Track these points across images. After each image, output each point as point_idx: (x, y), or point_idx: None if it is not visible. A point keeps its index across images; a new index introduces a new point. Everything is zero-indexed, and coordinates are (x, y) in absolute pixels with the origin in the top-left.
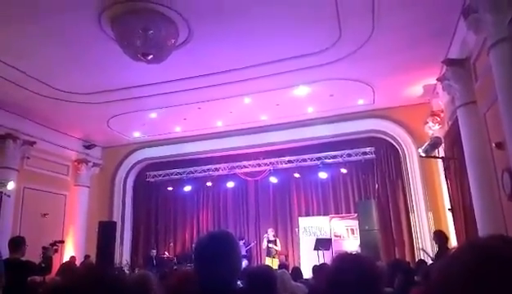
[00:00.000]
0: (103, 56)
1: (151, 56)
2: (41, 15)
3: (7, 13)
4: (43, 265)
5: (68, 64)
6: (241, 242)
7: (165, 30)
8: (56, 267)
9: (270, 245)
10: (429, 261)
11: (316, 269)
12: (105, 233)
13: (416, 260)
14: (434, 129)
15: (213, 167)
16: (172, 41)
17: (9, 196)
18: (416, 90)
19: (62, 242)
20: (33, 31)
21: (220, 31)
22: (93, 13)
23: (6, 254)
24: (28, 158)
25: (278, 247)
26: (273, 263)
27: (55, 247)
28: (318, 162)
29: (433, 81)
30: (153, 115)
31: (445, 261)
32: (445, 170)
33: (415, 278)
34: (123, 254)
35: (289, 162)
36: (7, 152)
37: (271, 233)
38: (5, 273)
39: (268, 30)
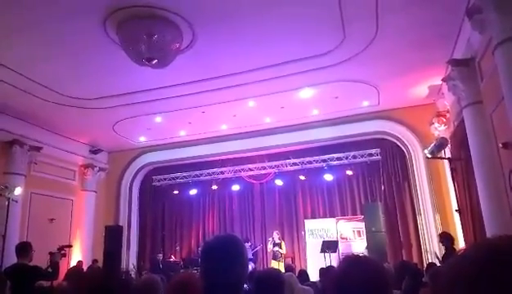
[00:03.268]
0: (108, 62)
1: (156, 61)
2: (47, 23)
3: (14, 22)
4: (50, 271)
5: (74, 70)
6: (247, 245)
7: (169, 35)
8: (63, 272)
9: (275, 248)
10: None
11: (323, 271)
12: (112, 238)
13: (424, 261)
14: (440, 130)
15: (218, 170)
16: (177, 45)
17: (16, 201)
18: (421, 90)
19: (70, 246)
20: (39, 38)
21: (224, 35)
22: (98, 19)
23: (13, 259)
24: (35, 163)
25: (283, 250)
26: (279, 266)
27: (62, 252)
28: (324, 165)
29: (438, 81)
30: (158, 119)
31: (455, 261)
32: (451, 171)
33: (423, 279)
34: (130, 258)
35: (295, 164)
36: (15, 157)
37: (276, 236)
38: (12, 278)
39: (272, 33)
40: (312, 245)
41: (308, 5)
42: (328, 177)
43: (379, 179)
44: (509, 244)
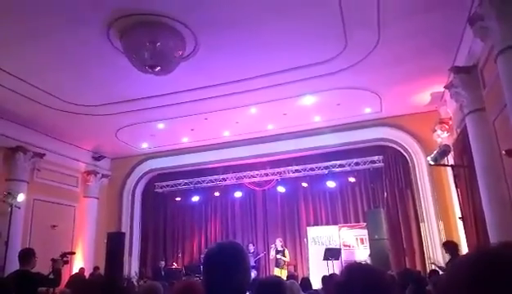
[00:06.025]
0: (111, 69)
1: (159, 68)
2: (51, 30)
3: (19, 30)
4: (52, 277)
5: (77, 76)
6: (251, 247)
7: (172, 42)
8: (65, 279)
9: (278, 255)
10: (441, 272)
11: (325, 279)
12: (114, 245)
13: (427, 269)
14: (443, 137)
15: (220, 176)
16: (180, 52)
17: (19, 208)
18: (424, 98)
19: (73, 253)
20: (43, 45)
21: (226, 42)
22: (102, 27)
23: (16, 266)
24: (38, 169)
25: (287, 258)
26: (282, 274)
27: (65, 259)
28: (326, 171)
29: (440, 88)
30: (160, 126)
31: (455, 265)
32: (454, 177)
33: (427, 287)
34: (132, 265)
35: (297, 171)
36: (18, 164)
37: (279, 244)
38: (15, 285)
39: (274, 41)
40: (315, 252)
41: (310, 13)
42: (330, 184)
43: (382, 186)
44: (507, 250)
